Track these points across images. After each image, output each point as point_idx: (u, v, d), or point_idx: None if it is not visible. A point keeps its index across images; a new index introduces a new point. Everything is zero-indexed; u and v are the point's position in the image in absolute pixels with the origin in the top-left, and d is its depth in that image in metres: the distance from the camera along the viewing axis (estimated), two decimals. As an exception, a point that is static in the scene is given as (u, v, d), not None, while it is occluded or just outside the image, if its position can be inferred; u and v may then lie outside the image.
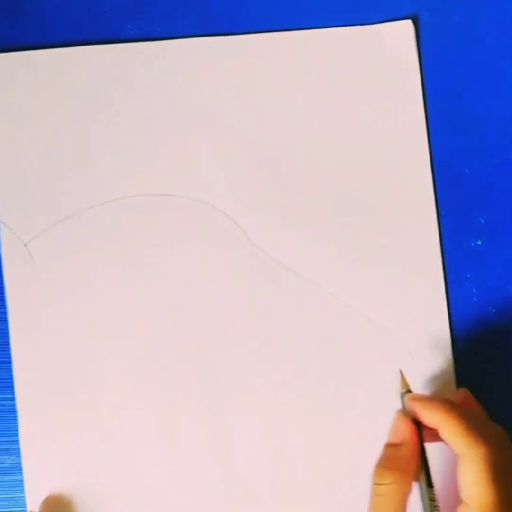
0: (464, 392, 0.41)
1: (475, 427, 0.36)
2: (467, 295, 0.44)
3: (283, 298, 0.44)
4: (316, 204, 0.44)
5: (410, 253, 0.44)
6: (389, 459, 0.37)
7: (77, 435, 0.43)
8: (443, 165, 0.44)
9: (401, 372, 0.42)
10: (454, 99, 0.45)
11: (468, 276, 0.44)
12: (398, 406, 0.40)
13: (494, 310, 0.44)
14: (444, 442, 0.37)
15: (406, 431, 0.38)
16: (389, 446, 0.38)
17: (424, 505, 0.37)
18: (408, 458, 0.37)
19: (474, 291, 0.44)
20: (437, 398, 0.39)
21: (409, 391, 0.41)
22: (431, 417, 0.37)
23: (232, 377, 0.43)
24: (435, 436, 0.37)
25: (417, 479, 0.38)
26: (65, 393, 0.43)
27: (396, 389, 0.42)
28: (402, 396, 0.40)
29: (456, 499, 0.36)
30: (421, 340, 0.43)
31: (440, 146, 0.45)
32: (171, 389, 0.43)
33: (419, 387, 0.42)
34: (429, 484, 0.37)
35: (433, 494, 0.37)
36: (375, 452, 0.38)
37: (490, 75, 0.45)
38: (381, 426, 0.39)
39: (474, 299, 0.44)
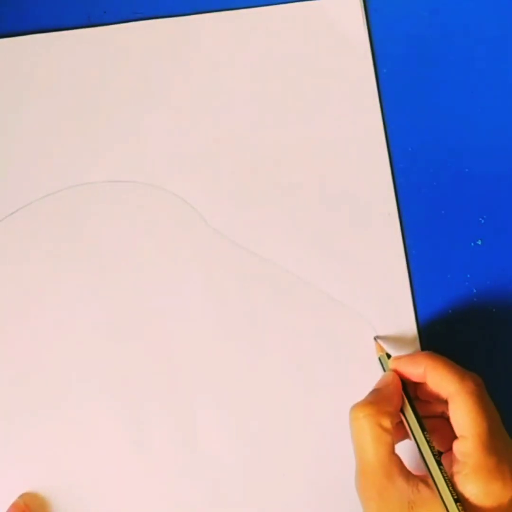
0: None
1: (460, 368, 0.38)
2: (467, 295, 0.44)
3: (244, 280, 0.44)
4: (272, 184, 0.44)
5: (369, 230, 0.44)
6: (366, 398, 0.38)
7: (39, 431, 0.43)
8: (443, 165, 0.45)
9: (375, 338, 0.43)
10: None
11: (468, 276, 0.44)
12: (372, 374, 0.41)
13: (494, 310, 0.44)
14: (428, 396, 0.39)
15: (388, 377, 0.39)
16: (371, 392, 0.39)
17: (421, 452, 0.37)
18: (385, 397, 0.38)
19: (474, 291, 0.44)
20: (419, 352, 0.42)
21: (388, 354, 0.41)
22: (417, 368, 0.39)
23: (195, 361, 0.43)
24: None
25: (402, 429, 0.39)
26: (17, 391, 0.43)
27: (363, 362, 0.43)
28: (381, 360, 0.41)
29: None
30: (384, 315, 0.43)
31: (440, 145, 0.45)
32: (133, 377, 0.43)
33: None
34: (422, 426, 0.38)
35: (427, 437, 0.38)
36: (342, 427, 0.38)
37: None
38: (347, 400, 0.39)
39: (474, 299, 0.44)
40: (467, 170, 0.45)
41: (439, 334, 0.44)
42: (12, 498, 0.42)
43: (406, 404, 0.39)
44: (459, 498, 0.35)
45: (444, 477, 0.36)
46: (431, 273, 0.44)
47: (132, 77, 0.45)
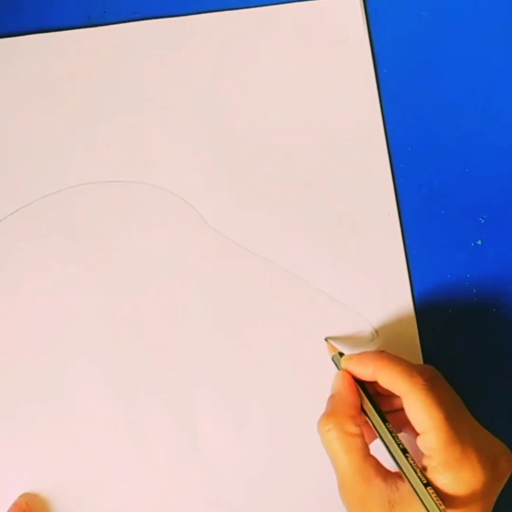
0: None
1: (408, 365, 0.38)
2: (467, 295, 0.44)
3: (243, 279, 0.44)
4: (272, 183, 0.44)
5: (369, 230, 0.44)
6: (327, 410, 0.39)
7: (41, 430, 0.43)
8: (443, 165, 0.44)
9: (326, 339, 0.43)
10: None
11: (468, 276, 0.44)
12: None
13: (494, 310, 0.44)
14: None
15: (337, 380, 0.40)
16: (328, 399, 0.39)
17: (386, 444, 0.37)
18: (341, 401, 0.38)
19: (474, 291, 0.44)
20: (369, 351, 0.41)
21: (340, 353, 0.41)
22: (367, 369, 0.38)
23: (193, 359, 0.43)
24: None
25: (360, 421, 0.38)
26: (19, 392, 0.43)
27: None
28: (333, 360, 0.41)
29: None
30: (385, 316, 0.43)
31: (440, 144, 0.45)
32: (132, 376, 0.43)
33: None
34: (383, 419, 0.38)
35: (389, 427, 0.38)
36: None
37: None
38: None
39: (474, 299, 0.44)
40: (467, 170, 0.45)
41: (439, 334, 0.44)
42: (14, 497, 0.42)
43: (364, 399, 0.38)
44: (429, 482, 0.35)
45: (410, 464, 0.36)
46: (431, 273, 0.44)
47: (132, 77, 0.45)
